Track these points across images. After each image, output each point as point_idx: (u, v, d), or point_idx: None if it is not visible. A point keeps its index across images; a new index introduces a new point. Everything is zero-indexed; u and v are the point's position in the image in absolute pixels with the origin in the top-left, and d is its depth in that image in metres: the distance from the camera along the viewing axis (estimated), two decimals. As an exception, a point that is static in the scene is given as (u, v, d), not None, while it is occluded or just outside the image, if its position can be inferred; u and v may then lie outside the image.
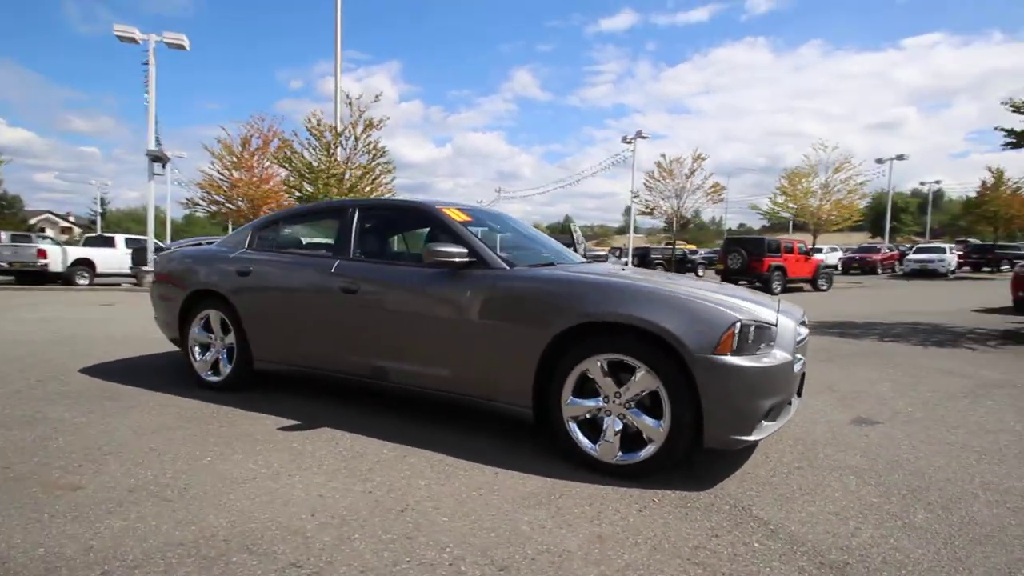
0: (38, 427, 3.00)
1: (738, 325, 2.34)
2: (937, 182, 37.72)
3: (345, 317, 3.20)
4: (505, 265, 2.88)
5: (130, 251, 16.25)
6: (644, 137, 21.72)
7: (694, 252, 30.08)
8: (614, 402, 2.50)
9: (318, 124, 12.20)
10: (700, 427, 2.35)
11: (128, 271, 15.98)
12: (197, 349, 3.91)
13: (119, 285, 15.40)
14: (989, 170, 22.87)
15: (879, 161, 25.16)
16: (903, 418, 3.49)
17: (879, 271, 24.18)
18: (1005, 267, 21.90)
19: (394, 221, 3.75)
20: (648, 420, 2.43)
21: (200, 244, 4.43)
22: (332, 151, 12.12)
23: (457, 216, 3.20)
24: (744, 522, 2.11)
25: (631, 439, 2.49)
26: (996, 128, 7.80)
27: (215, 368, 3.83)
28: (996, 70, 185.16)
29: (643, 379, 2.42)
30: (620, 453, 2.48)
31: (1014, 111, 7.46)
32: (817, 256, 16.94)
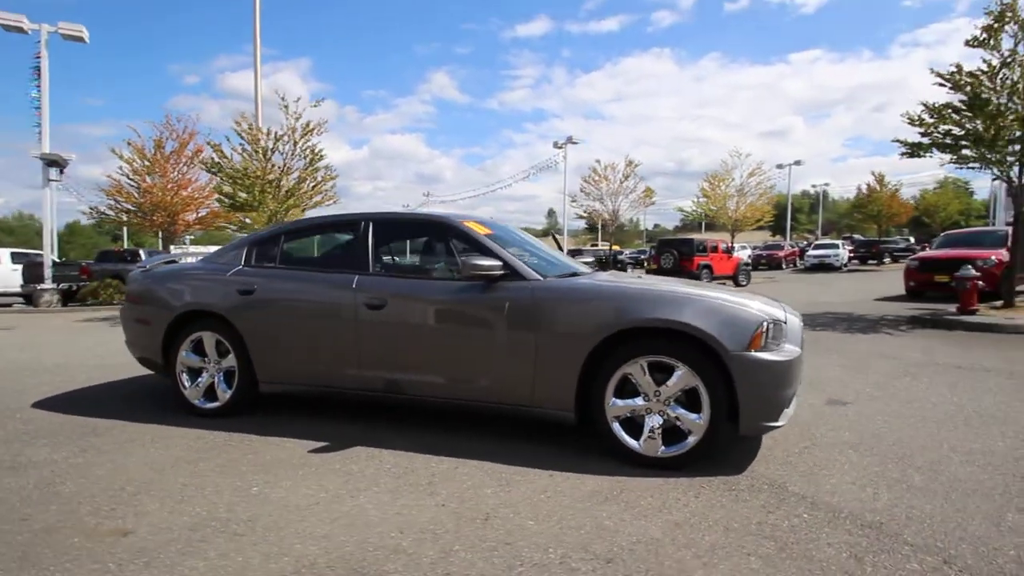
0: (30, 472, 2.70)
1: (765, 324, 2.63)
2: (826, 184, 42.61)
3: (370, 333, 3.17)
4: (539, 276, 3.00)
5: (19, 267, 14.45)
6: (575, 143, 22.56)
7: (620, 252, 31.59)
8: (654, 400, 2.71)
9: (249, 128, 11.53)
10: (736, 417, 2.61)
11: (18, 290, 14.20)
12: (186, 375, 3.66)
13: (10, 306, 13.62)
14: (873, 174, 26.40)
15: (779, 166, 28.17)
16: (865, 397, 4.02)
17: (784, 266, 26.81)
18: (887, 260, 25.22)
19: (412, 235, 3.73)
20: (690, 415, 2.66)
21: (175, 261, 4.13)
22: (269, 156, 11.50)
23: (480, 229, 3.27)
24: (786, 498, 2.39)
25: (669, 433, 2.71)
26: (893, 140, 9.02)
27: (209, 394, 3.61)
28: (866, 84, 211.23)
29: (683, 377, 2.65)
30: (663, 447, 2.69)
31: (910, 123, 8.66)
32: (736, 254, 18.48)
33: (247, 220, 17.12)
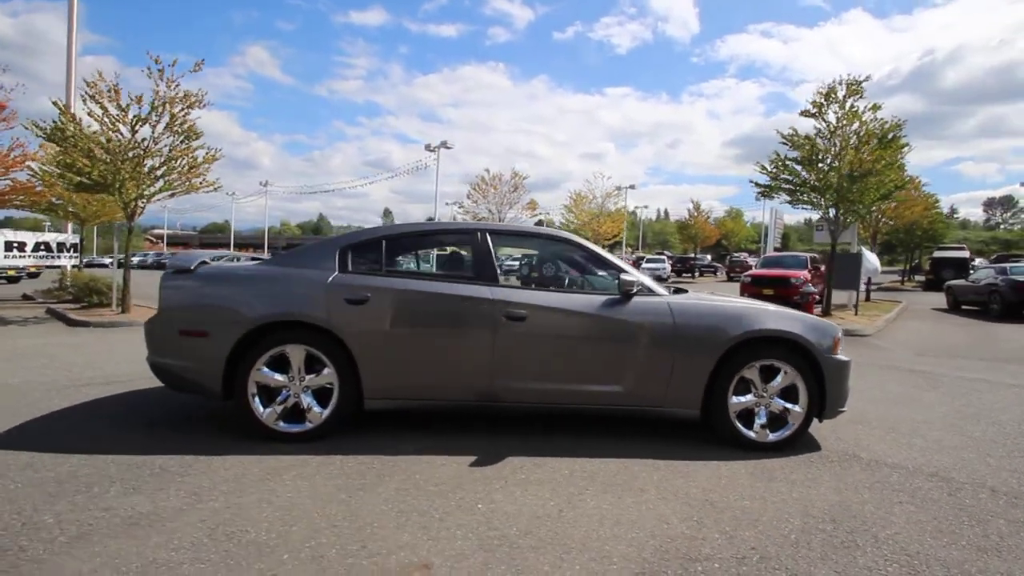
0: (172, 525, 2.22)
1: (840, 333, 3.45)
2: (645, 207, 49.99)
3: (509, 344, 3.21)
4: (665, 292, 3.41)
5: None
6: (448, 147, 22.78)
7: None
8: (762, 396, 3.34)
9: (111, 91, 9.37)
10: (822, 406, 3.37)
11: None
12: (257, 396, 3.19)
13: None
14: (692, 202, 32.29)
15: (618, 188, 32.31)
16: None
17: (622, 276, 30.70)
18: (697, 274, 30.76)
19: (534, 248, 3.75)
20: (792, 406, 3.34)
21: (206, 262, 3.49)
22: (137, 128, 9.49)
23: (596, 248, 3.55)
24: (870, 464, 3.20)
25: (773, 421, 3.37)
26: (750, 181, 11.36)
27: (293, 415, 3.21)
28: (663, 123, 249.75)
29: (787, 376, 3.33)
30: (771, 434, 3.33)
31: (762, 171, 10.99)
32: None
33: (58, 201, 13.80)
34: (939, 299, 15.98)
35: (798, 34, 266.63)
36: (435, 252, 3.70)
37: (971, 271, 18.56)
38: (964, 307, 13.44)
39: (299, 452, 3.04)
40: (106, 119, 9.37)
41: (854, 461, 3.22)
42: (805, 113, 10.68)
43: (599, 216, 21.93)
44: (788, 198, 11.14)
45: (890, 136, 9.61)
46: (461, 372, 3.25)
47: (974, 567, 2.10)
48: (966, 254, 21.98)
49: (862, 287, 14.80)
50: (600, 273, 3.56)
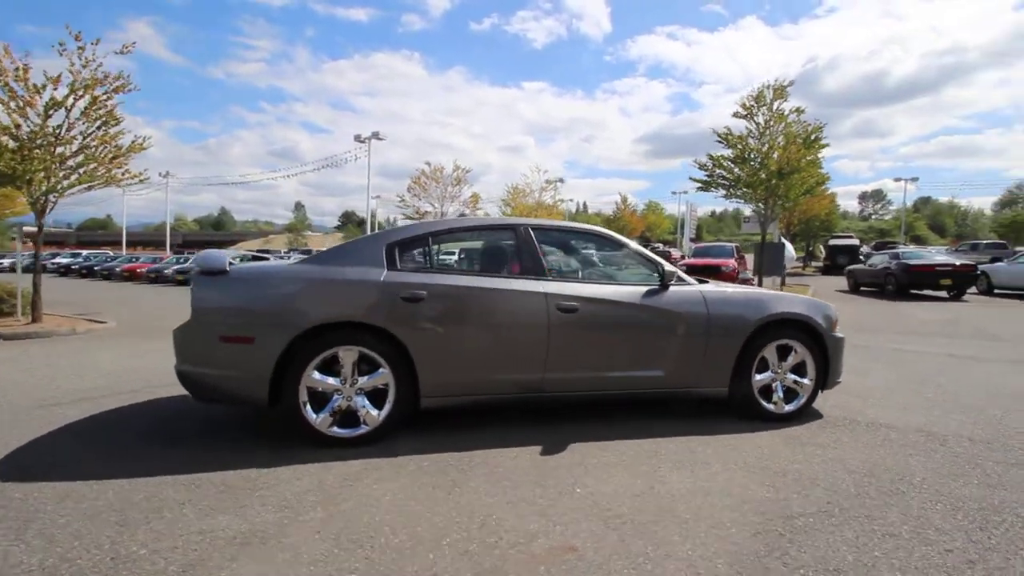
0: (283, 540, 2.13)
1: (837, 312, 3.92)
2: (571, 199, 51.47)
3: (561, 337, 3.32)
4: (696, 281, 3.69)
5: None
6: (380, 139, 22.11)
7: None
8: (778, 372, 3.73)
9: (20, 70, 8.13)
10: (825, 379, 3.82)
11: None
12: (308, 403, 3.06)
13: None
14: (620, 194, 34.08)
15: (548, 182, 33.10)
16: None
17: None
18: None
19: (572, 242, 3.82)
20: (802, 379, 3.76)
21: (233, 262, 3.27)
22: (51, 113, 8.34)
23: (631, 242, 3.75)
24: (871, 426, 3.68)
25: (787, 394, 3.77)
26: (690, 178, 12.19)
27: (348, 419, 3.12)
28: (578, 119, 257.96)
29: (798, 354, 3.74)
30: (786, 406, 3.73)
31: (700, 168, 11.84)
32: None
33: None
34: (839, 282, 18.08)
35: (700, 38, 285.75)
36: (478, 247, 3.69)
37: (860, 256, 21.10)
38: (863, 288, 15.36)
39: (360, 456, 2.97)
40: (12, 103, 8.17)
41: (856, 425, 3.69)
42: (737, 115, 11.62)
43: (536, 209, 22.43)
44: (723, 192, 12.08)
45: (813, 137, 10.76)
46: (516, 365, 3.32)
47: (995, 499, 2.54)
48: (856, 242, 25.05)
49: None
50: (637, 265, 3.76)
